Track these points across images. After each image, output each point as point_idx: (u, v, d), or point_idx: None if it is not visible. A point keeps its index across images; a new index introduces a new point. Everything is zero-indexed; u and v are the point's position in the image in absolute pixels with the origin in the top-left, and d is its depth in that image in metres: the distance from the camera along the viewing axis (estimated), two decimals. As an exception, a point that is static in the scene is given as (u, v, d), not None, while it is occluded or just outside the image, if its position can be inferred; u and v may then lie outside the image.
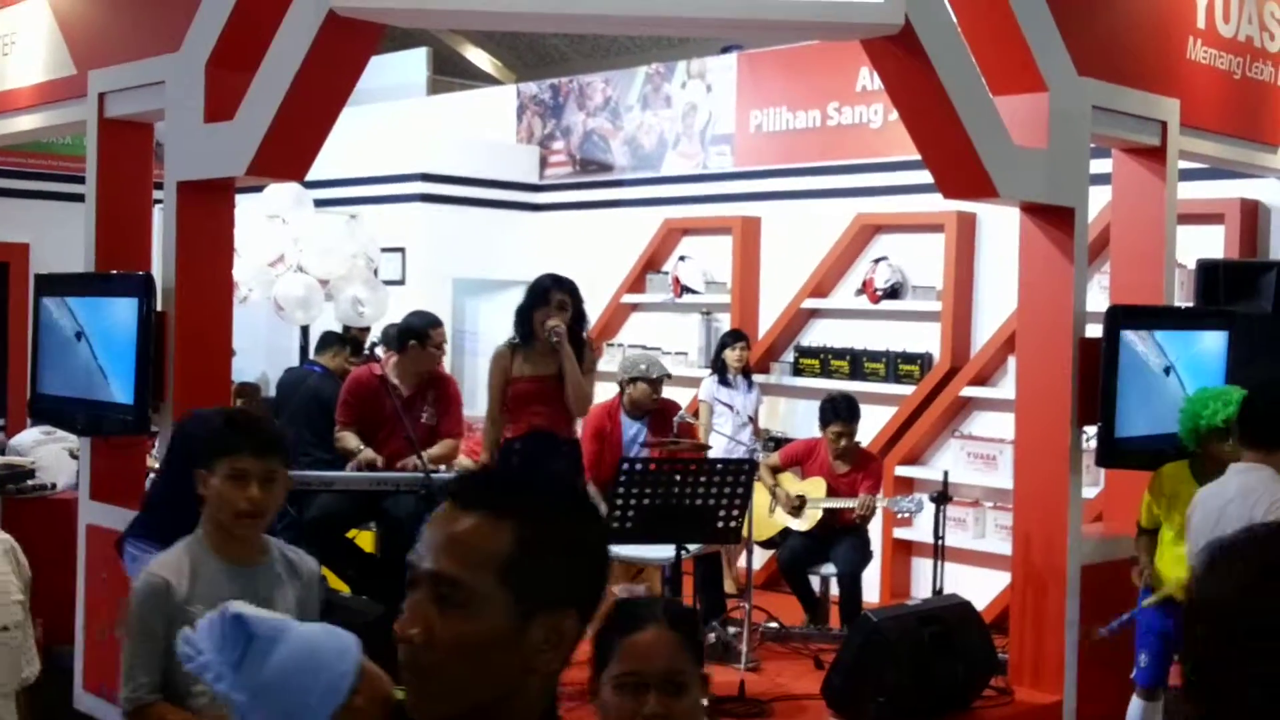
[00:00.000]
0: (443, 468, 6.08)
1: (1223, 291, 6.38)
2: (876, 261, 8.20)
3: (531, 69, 17.61)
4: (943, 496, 6.25)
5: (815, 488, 6.89)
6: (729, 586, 7.45)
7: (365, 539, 6.50)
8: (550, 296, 5.92)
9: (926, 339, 8.05)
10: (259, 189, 8.04)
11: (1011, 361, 6.60)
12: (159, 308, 5.32)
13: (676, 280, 9.10)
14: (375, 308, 8.55)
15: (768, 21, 4.82)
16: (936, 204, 6.54)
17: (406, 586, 1.55)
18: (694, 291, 9.05)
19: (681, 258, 9.20)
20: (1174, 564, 4.93)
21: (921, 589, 7.66)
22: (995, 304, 7.67)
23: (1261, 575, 1.37)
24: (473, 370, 9.48)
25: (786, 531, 6.93)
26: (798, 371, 8.50)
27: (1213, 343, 5.81)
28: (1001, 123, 5.01)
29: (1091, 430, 5.50)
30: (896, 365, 8.11)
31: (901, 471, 7.91)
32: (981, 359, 7.71)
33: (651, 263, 9.43)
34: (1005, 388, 7.28)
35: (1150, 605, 5.04)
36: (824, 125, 8.67)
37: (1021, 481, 5.64)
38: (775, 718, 5.46)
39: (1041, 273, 5.46)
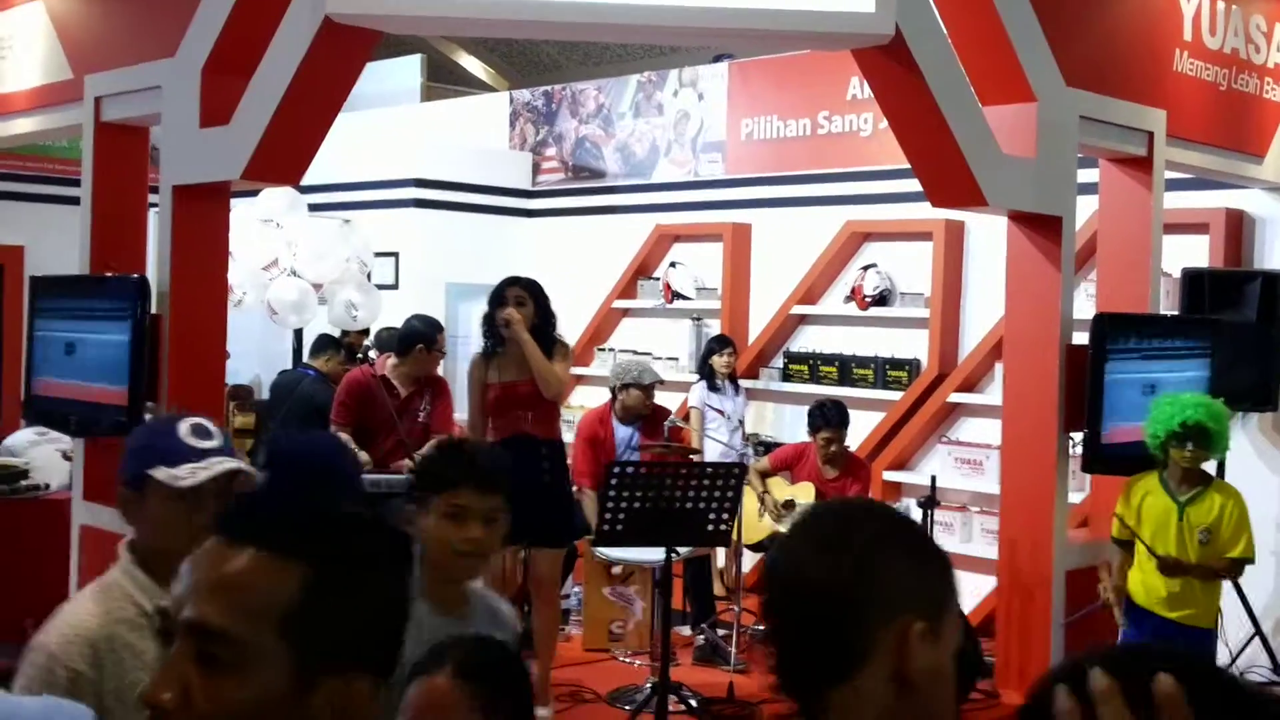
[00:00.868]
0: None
1: (1207, 300, 6.45)
2: (865, 269, 8.25)
3: (525, 76, 17.67)
4: (930, 501, 6.31)
5: (804, 492, 6.94)
6: (718, 589, 7.50)
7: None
8: (506, 295, 5.94)
9: (915, 345, 8.10)
10: (254, 193, 8.05)
11: (998, 368, 6.63)
12: (153, 311, 5.34)
13: (667, 286, 9.14)
14: (369, 312, 8.58)
15: (759, 31, 4.84)
16: (925, 212, 6.60)
17: (160, 638, 1.25)
18: (685, 297, 9.09)
19: (672, 264, 9.24)
20: (1152, 574, 4.95)
21: (909, 593, 7.69)
22: (983, 311, 7.72)
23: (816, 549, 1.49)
24: (464, 375, 9.46)
25: (776, 535, 6.98)
26: (787, 377, 8.54)
27: (1196, 355, 5.85)
28: (990, 132, 5.06)
29: (1078, 436, 5.56)
30: (885, 371, 8.16)
31: (889, 476, 7.96)
32: (969, 365, 7.75)
33: (643, 269, 9.48)
34: (992, 394, 7.33)
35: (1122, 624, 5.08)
36: (814, 134, 8.72)
37: (1008, 487, 5.69)
38: (763, 720, 5.51)
39: (1029, 280, 5.51)
